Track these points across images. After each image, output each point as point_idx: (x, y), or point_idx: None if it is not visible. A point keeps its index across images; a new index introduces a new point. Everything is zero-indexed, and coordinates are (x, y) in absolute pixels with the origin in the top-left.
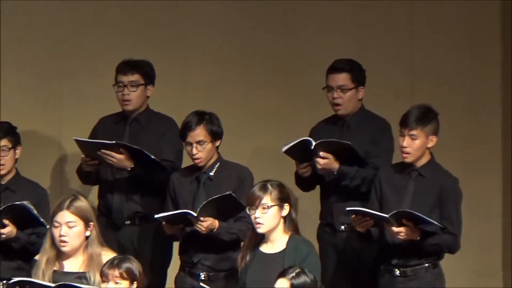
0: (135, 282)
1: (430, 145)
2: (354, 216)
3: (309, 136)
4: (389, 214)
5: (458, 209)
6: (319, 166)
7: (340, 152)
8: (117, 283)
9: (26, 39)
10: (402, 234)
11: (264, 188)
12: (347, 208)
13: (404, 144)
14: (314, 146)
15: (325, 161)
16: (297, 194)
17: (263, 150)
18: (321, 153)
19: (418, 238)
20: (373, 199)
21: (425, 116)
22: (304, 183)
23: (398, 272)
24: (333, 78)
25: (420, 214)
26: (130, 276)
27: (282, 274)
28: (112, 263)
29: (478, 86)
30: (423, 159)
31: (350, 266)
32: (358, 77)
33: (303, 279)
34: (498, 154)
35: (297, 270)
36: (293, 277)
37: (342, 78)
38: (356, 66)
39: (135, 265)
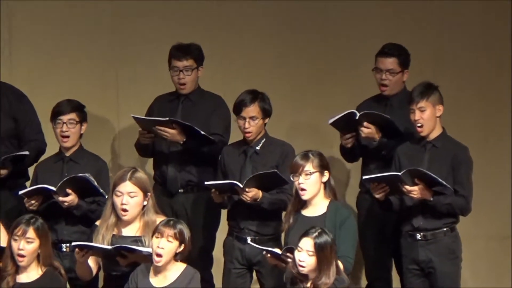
0: (183, 245)
1: (438, 114)
2: (371, 184)
3: None
4: (401, 172)
5: (469, 174)
6: (362, 135)
7: (382, 125)
8: (169, 241)
9: (87, 28)
10: (415, 192)
11: (306, 157)
12: (363, 177)
13: (416, 117)
14: (359, 116)
15: (368, 130)
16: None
17: (300, 126)
18: (365, 123)
19: (431, 198)
20: (393, 172)
21: (426, 89)
22: (348, 154)
23: (419, 236)
24: (382, 61)
25: (429, 172)
26: (181, 238)
27: (305, 234)
28: (168, 223)
29: (492, 67)
30: (435, 132)
31: (386, 231)
32: (405, 61)
33: (324, 238)
34: (508, 126)
35: (319, 230)
36: (316, 236)
37: (391, 62)
38: (404, 51)
39: (186, 230)
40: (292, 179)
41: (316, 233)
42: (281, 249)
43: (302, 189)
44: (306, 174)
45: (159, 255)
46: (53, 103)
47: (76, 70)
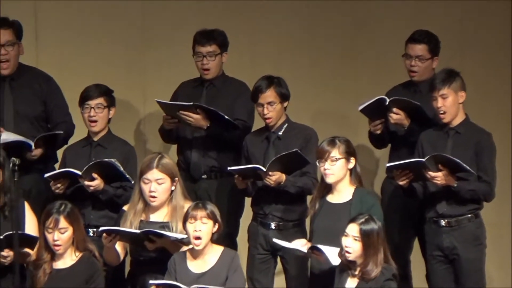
0: (217, 224)
1: (461, 100)
2: (394, 171)
3: None
4: (425, 158)
5: (492, 160)
6: (392, 121)
7: (411, 111)
8: (204, 222)
9: (113, 13)
10: (439, 178)
11: (332, 143)
12: (387, 165)
13: (439, 105)
14: (389, 102)
15: (398, 116)
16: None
17: (326, 112)
18: (394, 109)
19: (455, 184)
20: (416, 158)
21: (448, 76)
22: (377, 141)
23: (444, 222)
24: (412, 48)
25: (453, 158)
26: (213, 217)
27: (353, 220)
28: (197, 206)
29: None
30: (458, 118)
31: (410, 216)
32: (435, 48)
33: (371, 225)
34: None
35: (366, 217)
36: (362, 223)
37: (420, 49)
38: (433, 38)
39: (216, 209)
40: (318, 164)
41: (363, 219)
42: (305, 236)
43: (327, 174)
44: (332, 160)
45: (198, 238)
46: (80, 88)
47: (102, 55)
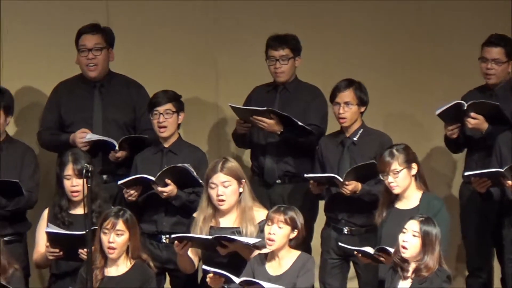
0: (296, 230)
1: None
2: (473, 178)
3: None
4: (504, 168)
5: None
6: (469, 126)
7: (489, 114)
8: (280, 227)
9: (186, 16)
10: None
11: (391, 155)
12: (465, 173)
13: None
14: (467, 106)
15: (476, 121)
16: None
17: (397, 116)
18: (472, 114)
19: None
20: (494, 161)
21: None
22: (453, 145)
23: None
24: (489, 51)
25: None
26: (292, 223)
27: (413, 217)
28: (278, 209)
29: None
30: None
31: (488, 220)
32: (511, 52)
33: (431, 226)
34: None
35: (426, 217)
36: (422, 221)
37: (497, 52)
38: (510, 42)
39: (298, 216)
40: (381, 177)
41: (423, 218)
42: (377, 241)
43: (392, 187)
44: (394, 173)
45: (271, 240)
46: (154, 91)
47: (175, 59)
